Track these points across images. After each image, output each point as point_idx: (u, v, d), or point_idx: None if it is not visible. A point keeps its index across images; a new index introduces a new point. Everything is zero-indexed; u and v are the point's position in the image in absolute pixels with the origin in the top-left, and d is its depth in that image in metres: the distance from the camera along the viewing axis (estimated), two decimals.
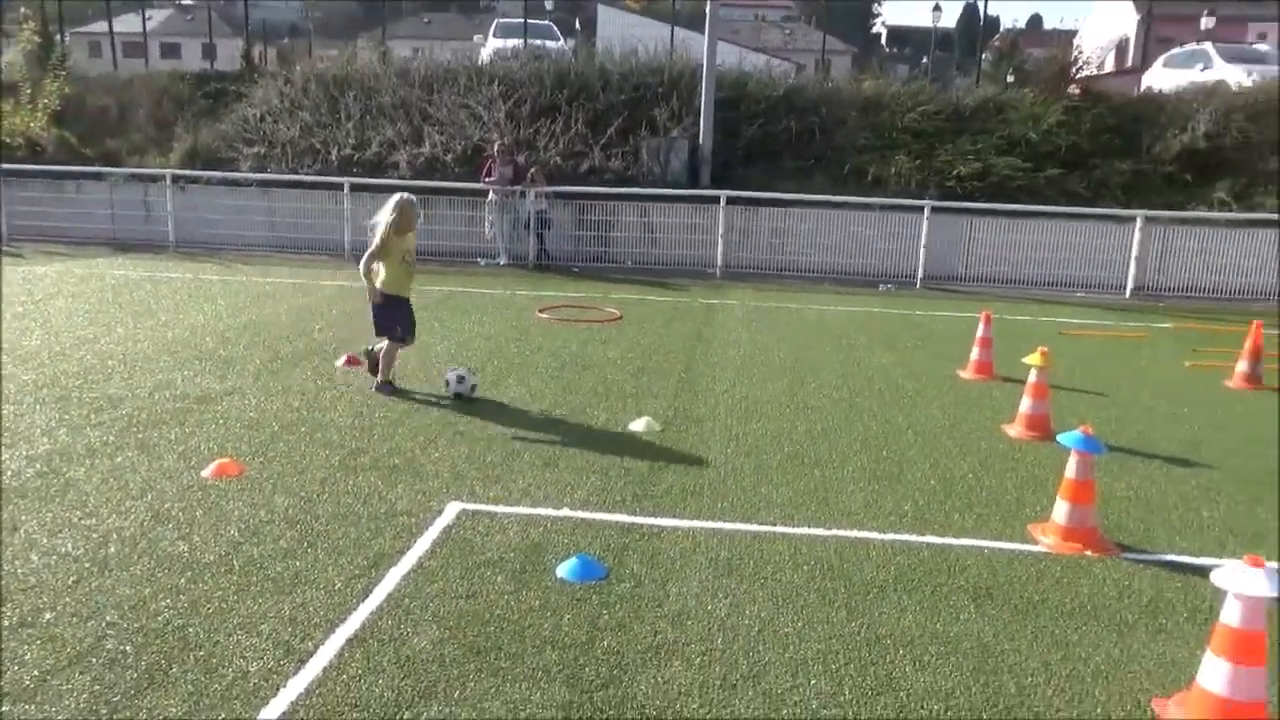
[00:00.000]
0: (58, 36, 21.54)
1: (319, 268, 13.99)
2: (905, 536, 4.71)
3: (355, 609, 3.79)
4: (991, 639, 3.74)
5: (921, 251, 14.42)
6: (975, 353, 8.40)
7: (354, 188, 15.25)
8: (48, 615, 3.66)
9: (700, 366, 8.38)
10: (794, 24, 62.53)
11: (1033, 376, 6.59)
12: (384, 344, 7.11)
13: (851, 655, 3.59)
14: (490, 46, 21.67)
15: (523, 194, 14.60)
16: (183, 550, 4.27)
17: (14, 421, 6.03)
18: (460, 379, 6.92)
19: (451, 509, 4.87)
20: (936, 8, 43.67)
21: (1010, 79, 21.63)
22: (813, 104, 16.55)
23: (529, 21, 21.93)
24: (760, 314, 11.42)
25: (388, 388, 7.07)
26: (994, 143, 15.80)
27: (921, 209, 14.38)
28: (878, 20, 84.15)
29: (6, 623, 3.58)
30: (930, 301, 13.08)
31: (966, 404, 7.42)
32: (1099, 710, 3.30)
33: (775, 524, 4.82)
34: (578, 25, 43.93)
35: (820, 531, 4.74)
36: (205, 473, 5.22)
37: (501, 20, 27.73)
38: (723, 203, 14.60)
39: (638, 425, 6.39)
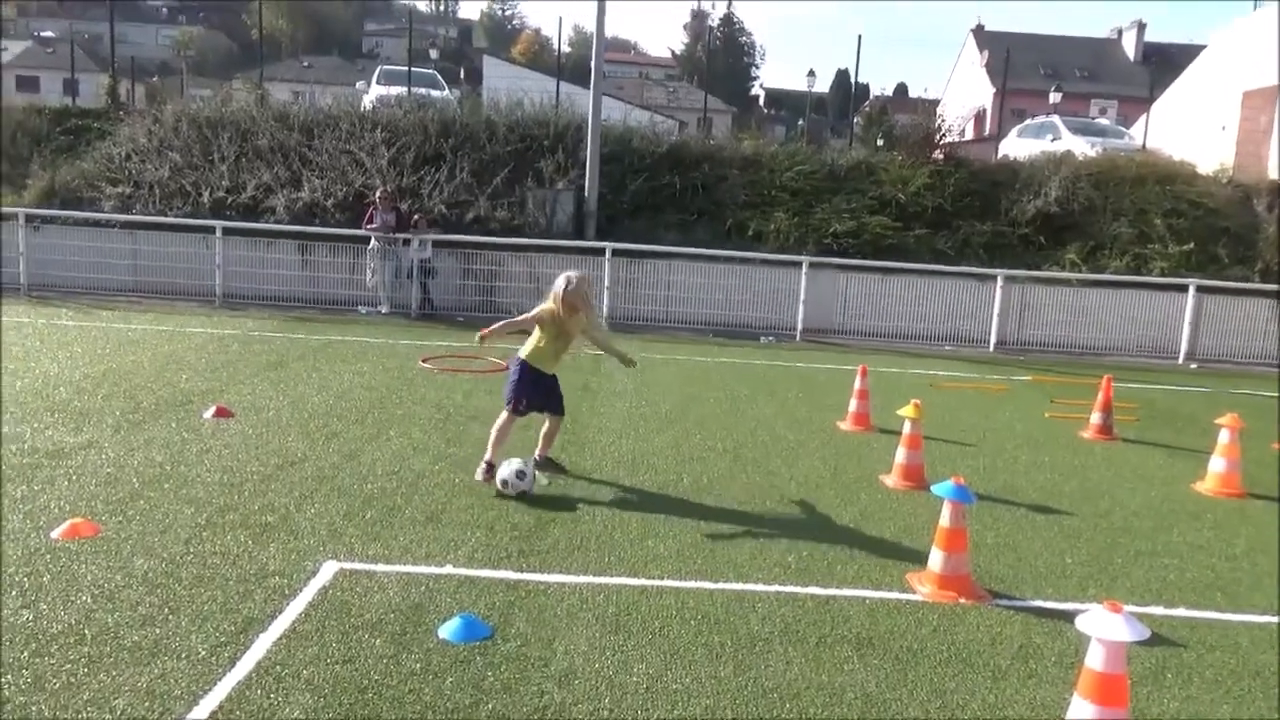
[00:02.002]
0: None
1: (188, 315, 13.38)
2: (790, 588, 4.77)
3: (221, 679, 3.56)
4: (874, 689, 3.81)
5: (800, 305, 14.87)
6: (853, 404, 8.67)
7: (227, 231, 14.71)
8: None
9: (587, 418, 8.35)
10: (677, 83, 64.44)
11: (907, 428, 6.83)
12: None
13: (740, 710, 3.58)
14: (374, 93, 21.46)
15: (405, 241, 14.39)
16: (27, 619, 3.94)
17: None
18: (520, 474, 5.89)
19: (328, 569, 4.66)
20: (810, 73, 45.77)
21: (880, 143, 22.82)
22: (695, 160, 16.98)
23: (414, 69, 21.83)
24: (646, 366, 11.48)
25: (487, 470, 6.16)
26: (866, 202, 16.53)
27: (800, 264, 14.87)
28: (756, 82, 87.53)
29: None
30: (809, 354, 13.47)
31: (846, 454, 7.63)
32: None
33: (663, 578, 4.81)
34: (463, 75, 44.05)
35: (707, 585, 4.75)
36: (55, 534, 4.85)
37: (386, 67, 27.52)
38: (608, 254, 14.74)
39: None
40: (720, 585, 4.75)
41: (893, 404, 8.17)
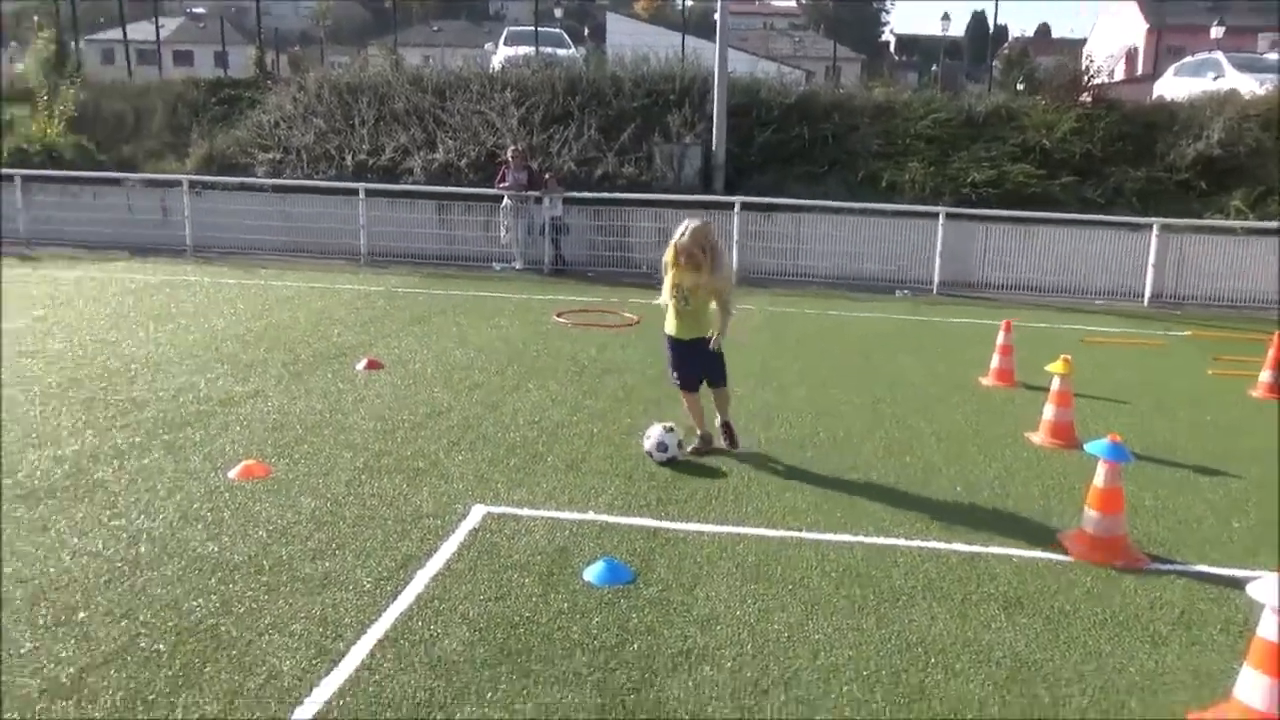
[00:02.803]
0: (72, 44, 21.67)
1: (336, 272, 14.03)
2: (933, 544, 4.69)
3: (385, 610, 3.79)
4: (1024, 648, 3.72)
5: (937, 258, 14.39)
6: (996, 360, 8.37)
7: (369, 193, 15.30)
8: (81, 614, 3.67)
9: None
10: (802, 32, 62.65)
11: (1056, 384, 6.56)
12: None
13: (883, 662, 3.57)
14: (501, 54, 21.77)
15: (537, 199, 14.63)
16: (212, 551, 4.29)
17: (41, 423, 6.06)
18: (663, 446, 5.74)
19: (476, 512, 4.87)
20: (945, 16, 43.51)
21: (1021, 87, 21.64)
22: (824, 110, 16.55)
23: (539, 29, 22.02)
24: (778, 320, 11.41)
25: (700, 441, 6.03)
26: (1007, 150, 15.77)
27: (936, 215, 14.36)
28: (886, 28, 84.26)
29: (41, 621, 3.60)
30: (947, 308, 13.05)
31: (989, 411, 7.39)
32: None
33: (801, 530, 4.81)
34: (587, 33, 44.12)
35: (846, 538, 4.73)
36: (231, 474, 5.24)
37: (512, 28, 27.86)
38: (737, 208, 14.60)
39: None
40: (860, 539, 4.72)
41: (1037, 360, 7.86)
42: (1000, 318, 9.08)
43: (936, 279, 14.40)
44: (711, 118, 15.80)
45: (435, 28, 60.97)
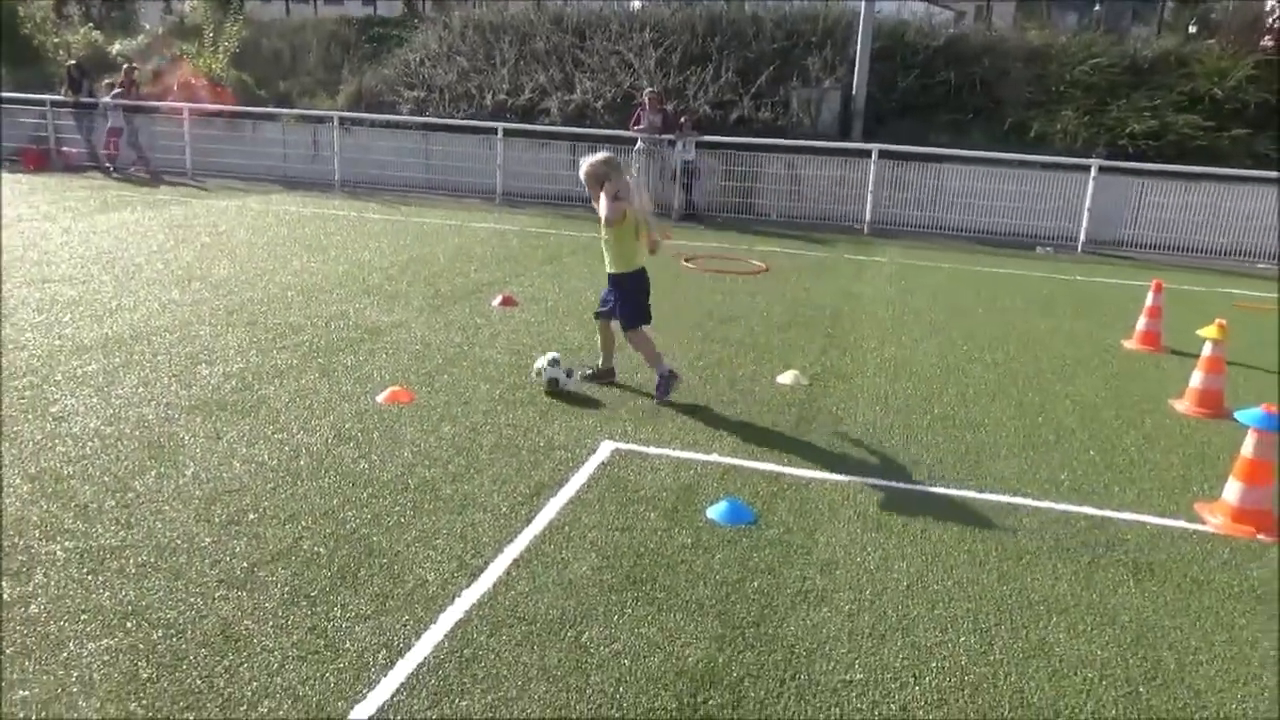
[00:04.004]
0: None
1: (472, 210, 14.48)
2: (1061, 505, 4.62)
3: (520, 532, 4.03)
4: (1151, 614, 3.66)
5: (1085, 214, 13.71)
6: (1142, 322, 8.01)
7: (507, 133, 15.63)
8: (251, 515, 4.05)
9: (848, 324, 8.31)
10: None
11: (1207, 350, 6.25)
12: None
13: (1002, 617, 3.59)
14: None
15: (671, 143, 14.64)
16: (364, 468, 4.63)
17: (211, 342, 6.60)
18: (539, 371, 5.83)
19: (605, 447, 5.07)
20: None
21: (1193, 29, 20.08)
22: (974, 54, 15.85)
23: None
24: (910, 272, 11.17)
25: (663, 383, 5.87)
26: (1173, 99, 14.77)
27: (1087, 168, 13.64)
28: None
29: (216, 520, 3.99)
30: (1092, 267, 12.47)
31: (1131, 375, 7.11)
32: (1266, 696, 3.21)
33: (924, 483, 4.81)
34: None
35: (971, 494, 4.71)
36: (379, 398, 5.59)
37: None
38: (874, 156, 14.24)
39: (785, 378, 6.43)
40: (985, 495, 4.69)
41: (1188, 324, 7.48)
42: (1149, 278, 8.65)
43: (1083, 236, 13.73)
44: (853, 61, 15.37)
45: None
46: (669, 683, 3.06)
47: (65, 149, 17.55)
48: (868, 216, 14.41)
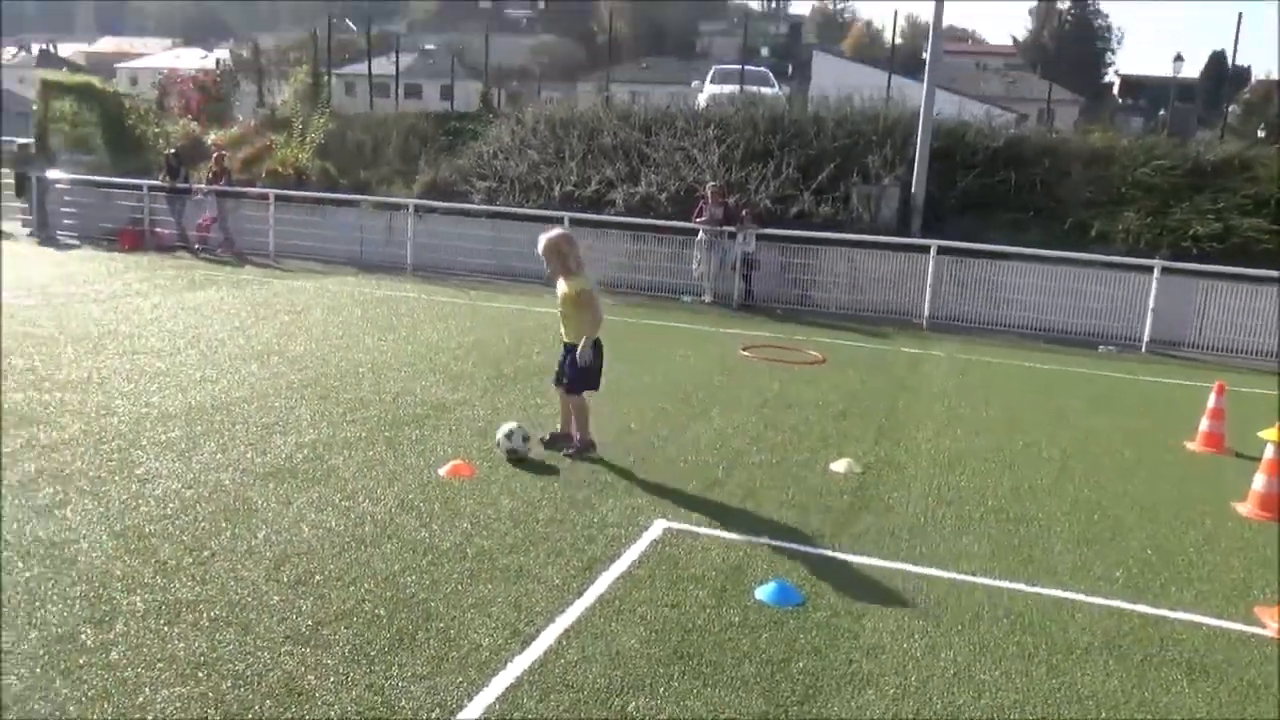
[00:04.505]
0: (325, 77, 24.14)
1: (535, 295, 14.89)
2: (1115, 602, 4.58)
3: (571, 604, 4.15)
4: (1204, 715, 3.61)
5: (1149, 314, 13.60)
6: (1205, 424, 7.91)
7: (573, 222, 16.15)
8: (317, 577, 4.25)
9: (903, 415, 8.36)
10: (1017, 72, 60.30)
11: (1269, 452, 6.17)
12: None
13: (1050, 710, 3.57)
14: (707, 91, 22.42)
15: (732, 235, 14.99)
16: (424, 536, 4.81)
17: (285, 413, 6.93)
18: (509, 435, 6.14)
19: (658, 526, 5.18)
20: (1178, 57, 40.70)
21: (1262, 133, 20.07)
22: (1035, 155, 16.04)
23: (745, 67, 22.55)
24: (968, 367, 11.18)
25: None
26: (1238, 201, 14.71)
27: (1151, 269, 13.59)
28: (1110, 69, 79.62)
29: (284, 579, 4.19)
30: (1155, 367, 12.32)
31: (1192, 477, 7.01)
32: None
33: (975, 575, 4.82)
34: (791, 71, 44.46)
35: (1022, 587, 4.70)
36: (441, 471, 5.81)
37: (719, 66, 28.57)
38: (933, 252, 14.39)
39: (838, 466, 6.49)
40: (1037, 589, 4.67)
41: (1254, 426, 7.37)
42: (1213, 380, 8.56)
43: (1146, 336, 13.60)
44: (913, 159, 15.67)
45: (644, 65, 63.06)
46: None
47: (158, 230, 18.60)
48: (926, 311, 14.48)
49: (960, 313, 14.62)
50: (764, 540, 5.08)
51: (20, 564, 4.17)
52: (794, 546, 5.02)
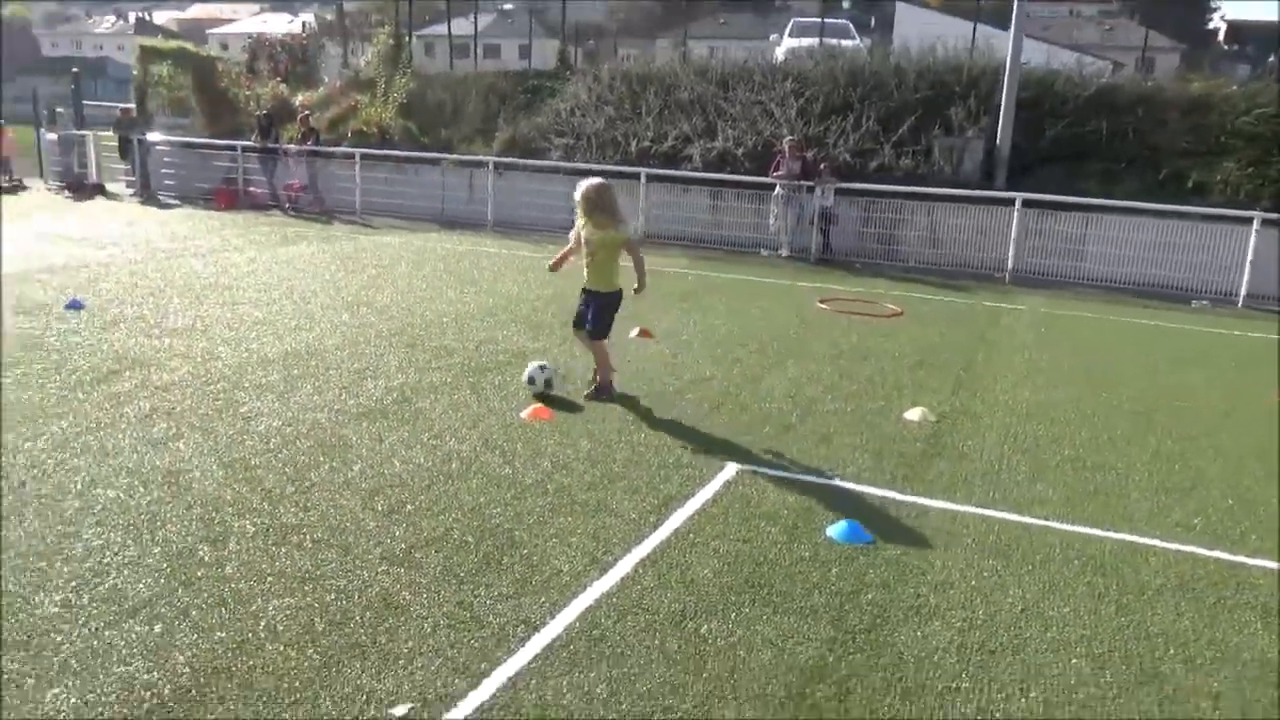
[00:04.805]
0: (406, 39, 24.49)
1: None
2: (1190, 548, 4.56)
3: (648, 536, 4.33)
4: (1275, 656, 3.61)
5: (1247, 267, 13.08)
6: None
7: (649, 178, 16.24)
8: (409, 507, 4.51)
9: (981, 367, 8.30)
10: (1113, 19, 57.57)
11: None
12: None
13: (1116, 645, 3.62)
14: (785, 45, 22.05)
15: (810, 189, 14.87)
16: (507, 473, 5.04)
17: (375, 360, 7.25)
18: (531, 379, 6.45)
19: (731, 467, 5.32)
20: None
21: None
22: (1128, 104, 15.42)
23: (825, 20, 22.09)
24: (1051, 321, 10.97)
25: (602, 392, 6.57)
26: None
27: (1250, 220, 13.05)
28: (1215, 15, 75.33)
29: (379, 509, 4.47)
30: (1252, 321, 11.88)
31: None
32: None
33: (1047, 519, 4.84)
34: (874, 23, 43.26)
35: (1095, 531, 4.71)
36: (523, 414, 6.04)
37: (798, 19, 28.02)
38: (1018, 204, 14.05)
39: (913, 414, 6.52)
40: (1109, 534, 4.68)
41: None
42: None
43: (1244, 290, 13.09)
44: (998, 110, 15.25)
45: (721, 20, 62.09)
46: (780, 674, 3.27)
47: (252, 189, 19.29)
48: (1009, 265, 14.18)
49: (1045, 266, 14.28)
50: (835, 482, 5.18)
51: (142, 489, 4.54)
52: (866, 490, 5.11)
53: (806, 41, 20.84)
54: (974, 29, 19.49)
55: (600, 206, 6.27)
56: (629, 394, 6.68)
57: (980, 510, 4.90)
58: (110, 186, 20.19)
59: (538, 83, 20.19)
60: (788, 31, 25.13)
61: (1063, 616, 3.82)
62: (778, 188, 14.99)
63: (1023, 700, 3.21)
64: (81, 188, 19.75)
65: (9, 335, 7.34)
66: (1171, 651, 3.59)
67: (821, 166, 15.01)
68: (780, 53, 20.53)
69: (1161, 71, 27.02)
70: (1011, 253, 14.18)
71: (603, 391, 6.55)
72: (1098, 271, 14.05)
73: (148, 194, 19.52)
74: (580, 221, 6.35)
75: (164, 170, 20.11)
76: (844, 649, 3.46)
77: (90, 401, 5.85)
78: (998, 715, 3.12)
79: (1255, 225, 13.00)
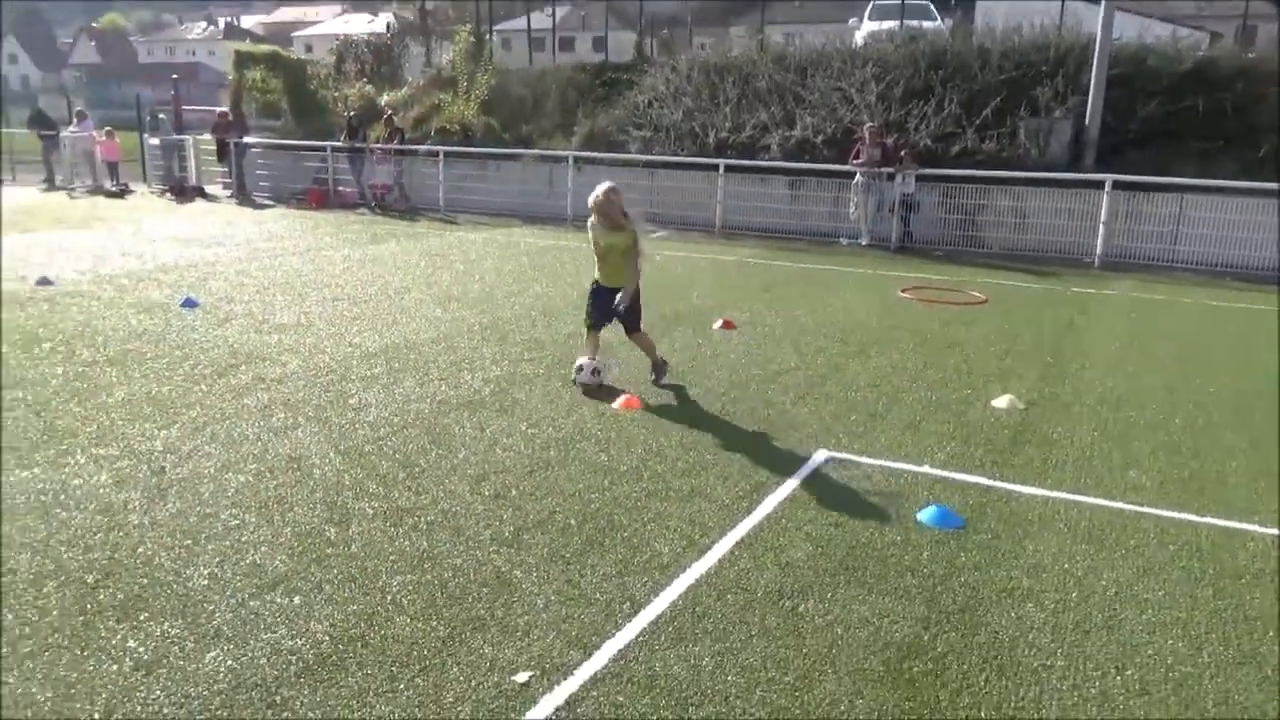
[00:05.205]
0: (487, 36, 24.96)
1: (693, 242, 15.22)
2: None
3: (742, 520, 4.50)
4: None
5: None
6: None
7: (728, 168, 16.31)
8: (514, 492, 4.76)
9: (1070, 354, 8.22)
10: None
11: None
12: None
13: (1214, 627, 3.65)
14: (865, 29, 21.81)
15: (890, 176, 14.76)
16: (603, 460, 5.26)
17: (470, 353, 7.56)
18: (587, 369, 6.64)
19: (820, 455, 5.44)
20: None
21: None
22: (1226, 79, 14.88)
23: (906, 2, 21.76)
24: (1143, 306, 10.74)
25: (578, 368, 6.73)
26: None
27: None
28: None
29: (485, 493, 4.73)
30: None
31: None
32: None
33: (1141, 505, 4.84)
34: (955, 2, 42.27)
35: (1192, 517, 4.70)
36: (615, 404, 6.25)
37: (878, 2, 27.61)
38: (1107, 187, 13.72)
39: (1000, 402, 6.54)
40: (1206, 519, 4.67)
41: None
42: None
43: None
44: (1087, 89, 14.89)
45: (798, 4, 61.32)
46: (877, 650, 3.41)
47: (341, 189, 19.98)
48: (1099, 249, 13.87)
49: (1136, 250, 13.93)
50: (924, 469, 5.26)
51: (268, 474, 4.88)
52: (954, 476, 5.18)
53: (887, 24, 20.60)
54: (1061, 4, 18.99)
55: (610, 208, 6.57)
56: (715, 385, 6.83)
57: (1071, 496, 4.93)
58: (209, 188, 21.16)
59: (615, 75, 20.37)
60: (867, 14, 24.79)
61: (1158, 599, 3.86)
62: (857, 175, 14.91)
63: (1118, 678, 3.28)
64: (183, 190, 20.75)
65: (135, 333, 7.88)
66: (1270, 634, 3.61)
67: (902, 153, 14.88)
68: (860, 36, 20.33)
69: (1263, 41, 25.82)
70: (1101, 236, 13.86)
71: (662, 369, 6.91)
72: (1192, 254, 13.65)
73: (244, 195, 20.40)
74: (591, 221, 6.74)
75: (258, 172, 20.96)
76: (939, 628, 3.58)
77: (213, 393, 6.27)
78: (1093, 691, 3.20)
79: None
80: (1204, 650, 3.48)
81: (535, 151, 18.78)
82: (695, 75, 18.56)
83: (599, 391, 6.53)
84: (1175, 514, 4.73)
